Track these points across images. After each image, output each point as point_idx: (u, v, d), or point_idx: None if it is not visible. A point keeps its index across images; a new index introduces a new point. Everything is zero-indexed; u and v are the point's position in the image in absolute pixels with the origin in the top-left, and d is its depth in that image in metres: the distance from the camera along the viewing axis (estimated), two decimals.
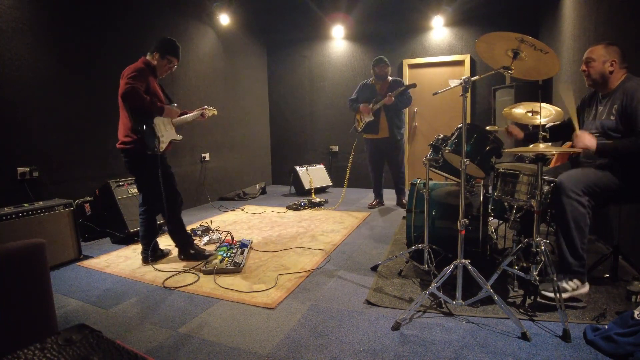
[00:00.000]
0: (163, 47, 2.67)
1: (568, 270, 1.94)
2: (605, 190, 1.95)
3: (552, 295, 1.84)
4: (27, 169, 3.08)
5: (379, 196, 4.77)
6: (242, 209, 4.78)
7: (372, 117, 4.37)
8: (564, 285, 1.92)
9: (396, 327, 1.80)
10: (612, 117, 2.02)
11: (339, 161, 6.49)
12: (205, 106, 2.99)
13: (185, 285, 2.37)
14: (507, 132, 2.50)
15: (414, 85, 4.25)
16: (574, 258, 1.93)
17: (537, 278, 1.87)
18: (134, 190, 3.53)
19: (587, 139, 1.94)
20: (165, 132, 2.70)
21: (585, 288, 1.94)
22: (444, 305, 1.99)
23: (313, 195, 5.37)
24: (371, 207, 4.68)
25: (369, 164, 4.69)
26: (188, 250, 2.81)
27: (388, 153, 4.56)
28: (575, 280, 1.93)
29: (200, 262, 2.70)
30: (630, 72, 2.06)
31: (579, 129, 2.31)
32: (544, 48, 1.77)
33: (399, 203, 4.68)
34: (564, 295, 1.90)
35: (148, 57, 2.69)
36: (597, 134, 2.11)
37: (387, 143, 4.48)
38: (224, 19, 5.51)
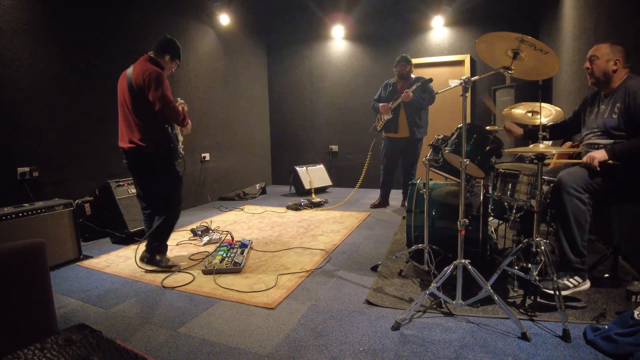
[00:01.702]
0: (174, 50, 2.62)
1: (569, 267, 1.94)
2: (605, 186, 1.95)
3: (552, 292, 1.85)
4: (27, 169, 3.08)
5: (384, 196, 4.69)
6: (242, 209, 4.78)
7: (390, 115, 4.32)
8: (566, 282, 1.92)
9: (396, 327, 1.80)
10: (614, 116, 2.02)
11: (339, 161, 6.49)
12: (178, 99, 2.87)
13: (185, 285, 2.37)
14: (505, 130, 2.51)
15: (430, 80, 4.14)
16: (575, 255, 1.93)
17: (537, 278, 1.87)
18: (134, 190, 3.52)
19: (596, 155, 1.92)
20: (180, 136, 2.74)
21: (587, 284, 1.95)
22: (444, 305, 1.99)
23: (313, 195, 5.37)
24: (374, 206, 4.62)
25: (383, 161, 4.60)
26: (155, 256, 2.66)
27: (405, 152, 4.48)
28: (577, 277, 1.93)
29: (163, 270, 2.61)
30: (633, 72, 2.06)
31: (582, 127, 2.31)
32: (544, 48, 1.77)
33: (404, 205, 4.62)
34: (566, 293, 1.91)
35: (154, 56, 2.57)
36: (599, 133, 2.11)
37: (405, 143, 4.41)
38: (224, 19, 5.51)
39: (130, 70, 2.53)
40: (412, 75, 4.39)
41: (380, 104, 4.40)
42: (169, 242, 3.02)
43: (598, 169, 1.92)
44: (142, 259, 2.68)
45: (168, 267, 2.63)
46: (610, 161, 1.91)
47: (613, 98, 2.05)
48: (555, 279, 1.79)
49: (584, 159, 1.95)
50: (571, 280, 1.93)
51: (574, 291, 1.92)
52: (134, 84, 2.46)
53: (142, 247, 2.73)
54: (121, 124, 2.59)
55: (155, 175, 2.61)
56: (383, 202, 4.70)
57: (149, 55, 2.58)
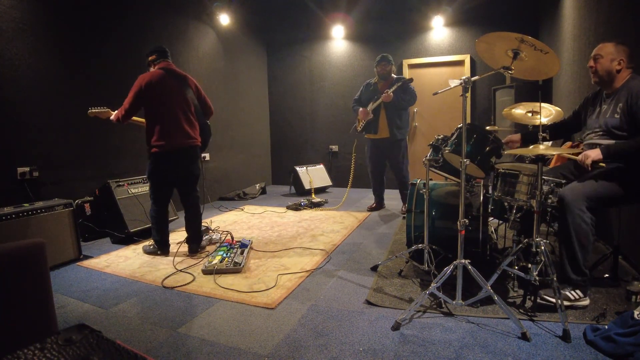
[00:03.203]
0: None
1: (569, 283, 1.93)
2: (607, 198, 1.94)
3: (553, 300, 1.84)
4: (27, 169, 3.08)
5: (379, 198, 4.63)
6: (242, 209, 4.78)
7: (371, 115, 4.27)
8: (567, 293, 1.91)
9: (396, 327, 1.80)
10: (616, 115, 2.02)
11: (339, 161, 6.49)
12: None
13: (185, 285, 2.37)
14: (506, 145, 2.48)
15: (410, 80, 4.11)
16: (576, 274, 1.92)
17: (537, 278, 1.87)
18: (134, 190, 3.53)
19: (590, 154, 1.93)
20: None
21: (586, 301, 1.93)
22: (444, 305, 1.99)
23: (313, 195, 5.37)
24: (371, 209, 4.56)
25: (368, 164, 4.53)
26: (202, 239, 3.11)
27: (388, 154, 4.40)
28: (578, 291, 1.92)
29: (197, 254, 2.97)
30: (636, 72, 2.06)
31: (582, 126, 2.31)
32: (544, 48, 1.77)
33: (403, 210, 4.42)
34: (564, 304, 1.90)
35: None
36: (600, 132, 2.11)
37: (387, 143, 4.33)
38: (224, 19, 5.51)
39: (181, 74, 2.90)
40: (393, 75, 4.34)
41: (360, 109, 4.34)
42: (169, 242, 3.04)
43: (590, 168, 1.93)
44: (193, 251, 2.97)
45: (203, 247, 3.08)
46: (603, 164, 1.93)
47: (615, 98, 2.05)
48: (554, 279, 1.79)
49: (579, 157, 1.96)
50: (572, 292, 1.91)
51: (572, 304, 1.91)
52: (197, 88, 2.98)
53: (146, 243, 2.75)
54: (178, 122, 2.84)
55: (197, 168, 3.05)
56: (379, 205, 4.63)
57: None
